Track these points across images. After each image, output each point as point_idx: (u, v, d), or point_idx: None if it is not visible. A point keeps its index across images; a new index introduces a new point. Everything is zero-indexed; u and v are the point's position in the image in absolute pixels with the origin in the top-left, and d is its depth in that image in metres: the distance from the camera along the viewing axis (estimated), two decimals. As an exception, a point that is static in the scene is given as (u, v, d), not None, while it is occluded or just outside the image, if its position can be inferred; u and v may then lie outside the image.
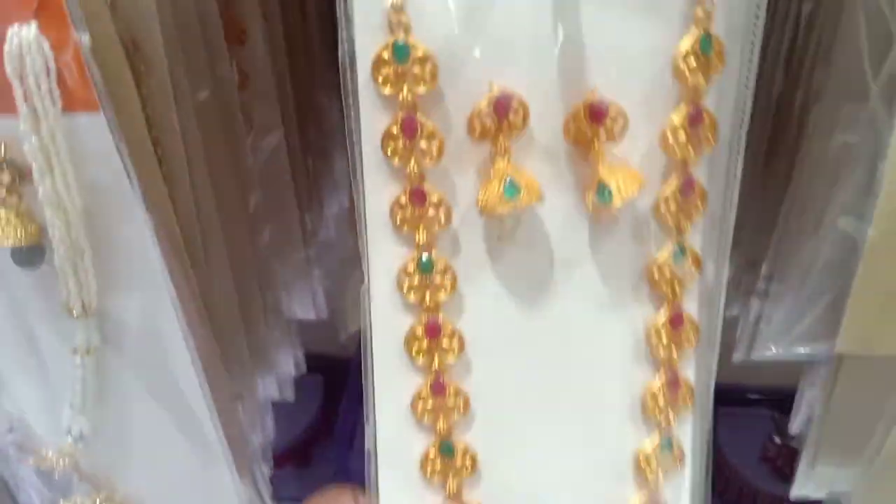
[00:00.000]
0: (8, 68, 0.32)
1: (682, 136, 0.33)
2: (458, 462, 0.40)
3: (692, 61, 0.31)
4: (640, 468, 0.39)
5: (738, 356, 0.51)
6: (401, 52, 0.32)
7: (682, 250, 0.35)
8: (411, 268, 0.37)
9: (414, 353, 0.38)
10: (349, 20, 0.33)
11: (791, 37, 0.41)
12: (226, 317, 0.51)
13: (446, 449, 0.39)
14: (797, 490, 0.49)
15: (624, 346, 0.38)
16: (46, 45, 0.32)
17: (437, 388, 0.38)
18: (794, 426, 0.52)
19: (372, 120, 0.34)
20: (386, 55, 0.33)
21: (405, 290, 0.37)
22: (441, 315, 0.38)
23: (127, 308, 0.43)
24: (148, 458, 0.49)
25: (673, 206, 0.34)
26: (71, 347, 0.44)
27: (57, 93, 0.34)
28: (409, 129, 0.33)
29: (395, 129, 0.34)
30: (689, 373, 0.38)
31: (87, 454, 0.49)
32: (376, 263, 0.37)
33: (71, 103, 0.34)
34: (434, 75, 0.33)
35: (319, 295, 0.68)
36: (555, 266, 0.36)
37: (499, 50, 0.33)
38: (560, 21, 0.32)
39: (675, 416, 0.38)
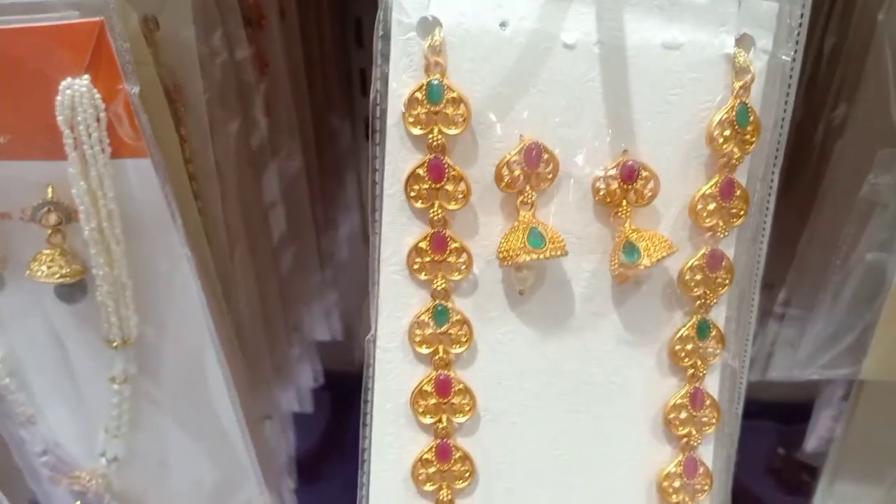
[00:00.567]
0: (60, 118, 0.33)
1: (713, 206, 0.32)
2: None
3: (727, 131, 0.32)
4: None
5: (752, 375, 0.52)
6: (435, 92, 0.32)
7: (706, 326, 0.35)
8: (426, 318, 0.34)
9: (420, 412, 0.35)
10: (385, 58, 0.32)
11: (811, 70, 0.42)
12: (253, 340, 0.53)
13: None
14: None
15: (640, 421, 0.36)
16: (98, 96, 0.33)
17: (443, 453, 0.35)
18: (810, 444, 0.54)
19: (398, 160, 0.33)
20: (420, 95, 0.32)
21: (417, 342, 0.35)
22: (453, 371, 0.35)
23: (163, 339, 0.44)
24: (180, 479, 0.50)
25: (699, 276, 0.34)
26: (108, 376, 0.45)
27: (106, 140, 0.34)
28: (437, 171, 0.32)
29: (421, 171, 0.32)
30: (707, 457, 0.37)
31: (119, 476, 0.50)
32: (387, 309, 0.35)
33: (118, 149, 0.35)
34: (466, 119, 0.32)
35: (335, 316, 0.69)
36: (573, 327, 0.35)
37: (535, 103, 0.32)
38: (600, 81, 0.32)
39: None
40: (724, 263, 0.34)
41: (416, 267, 0.34)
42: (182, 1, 0.37)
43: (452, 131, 0.32)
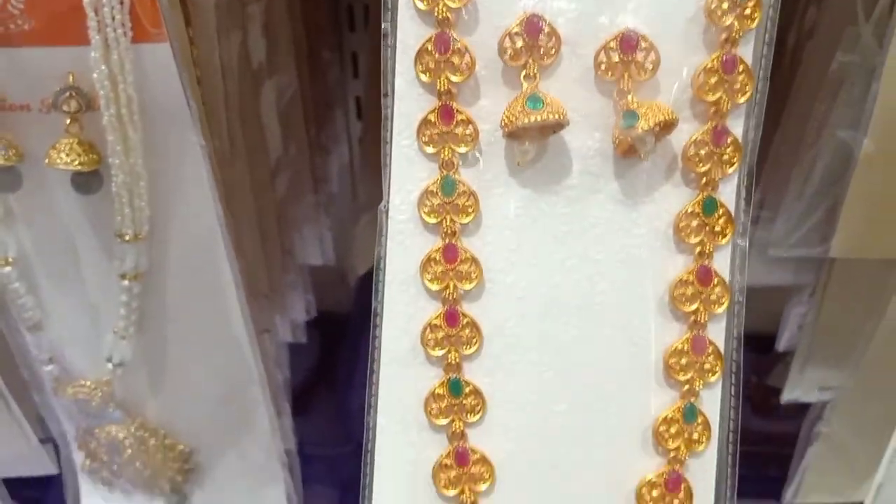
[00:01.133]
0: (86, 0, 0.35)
1: (714, 80, 0.33)
2: (466, 401, 0.38)
3: (725, 4, 0.33)
4: (661, 436, 0.38)
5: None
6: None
7: (713, 203, 0.35)
8: (434, 188, 0.36)
9: (429, 279, 0.37)
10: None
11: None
12: (251, 253, 0.54)
13: (454, 386, 0.37)
14: (788, 394, 0.53)
15: (647, 299, 0.37)
16: (122, -23, 0.35)
17: (451, 318, 0.37)
18: (782, 344, 0.57)
19: (406, 37, 0.34)
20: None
21: (426, 212, 0.36)
22: (459, 241, 0.36)
23: (174, 235, 0.45)
24: (184, 384, 0.52)
25: (703, 152, 0.35)
26: (119, 273, 0.46)
27: (129, 24, 0.36)
28: (443, 43, 0.34)
29: (428, 46, 0.34)
30: (717, 336, 0.37)
31: (124, 382, 0.51)
32: (398, 182, 0.36)
33: (138, 34, 0.37)
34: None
35: (328, 240, 0.71)
36: (574, 201, 0.36)
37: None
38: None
39: (700, 382, 0.37)
40: (729, 140, 0.35)
41: (425, 140, 0.35)
42: None
43: (456, 3, 0.34)
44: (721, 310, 0.37)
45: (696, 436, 0.37)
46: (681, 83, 0.35)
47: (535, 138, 0.35)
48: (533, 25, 0.34)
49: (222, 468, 0.55)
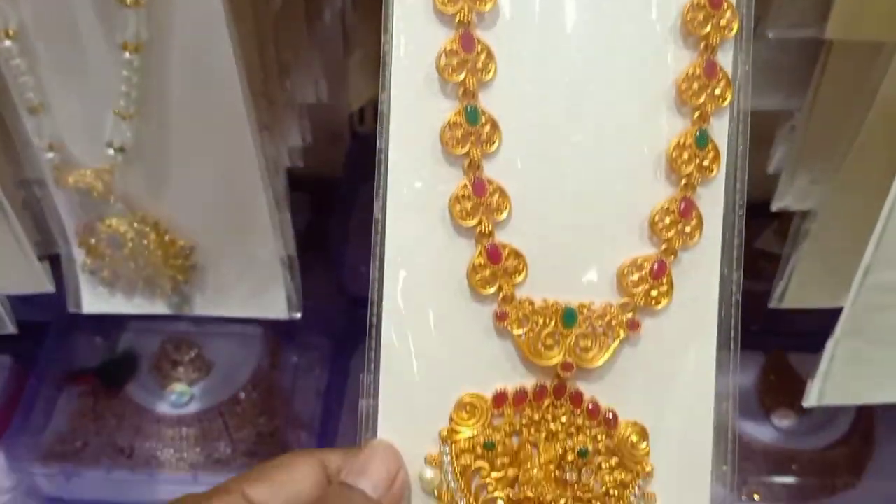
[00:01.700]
0: None
1: None
2: (483, 131, 0.38)
3: None
4: (674, 161, 0.38)
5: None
6: None
7: None
8: None
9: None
10: None
11: None
12: (247, 55, 0.54)
13: (471, 114, 0.37)
14: (777, 202, 0.55)
15: (659, 24, 0.37)
16: None
17: (466, 43, 0.36)
18: (772, 166, 0.58)
19: None
20: None
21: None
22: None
23: (177, 7, 0.45)
24: (185, 178, 0.52)
25: None
26: (119, 42, 0.46)
27: None
28: None
29: None
30: (726, 60, 0.38)
31: (125, 172, 0.51)
32: None
33: None
34: None
35: (321, 83, 0.70)
36: None
37: None
38: None
39: (712, 106, 0.37)
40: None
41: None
42: None
43: None
44: (731, 35, 0.38)
45: (707, 162, 0.38)
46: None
47: None
48: None
49: (223, 268, 0.56)
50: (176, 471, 0.76)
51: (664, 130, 0.38)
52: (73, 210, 0.54)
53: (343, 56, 0.71)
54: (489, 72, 0.38)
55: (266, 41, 0.57)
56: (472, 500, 0.39)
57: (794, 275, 0.54)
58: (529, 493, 0.39)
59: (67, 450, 0.77)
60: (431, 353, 0.39)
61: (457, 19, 0.37)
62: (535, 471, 0.39)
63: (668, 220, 0.38)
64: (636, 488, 0.39)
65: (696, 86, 0.38)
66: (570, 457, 0.39)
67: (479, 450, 0.39)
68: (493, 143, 0.38)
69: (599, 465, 0.39)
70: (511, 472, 0.39)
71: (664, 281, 0.39)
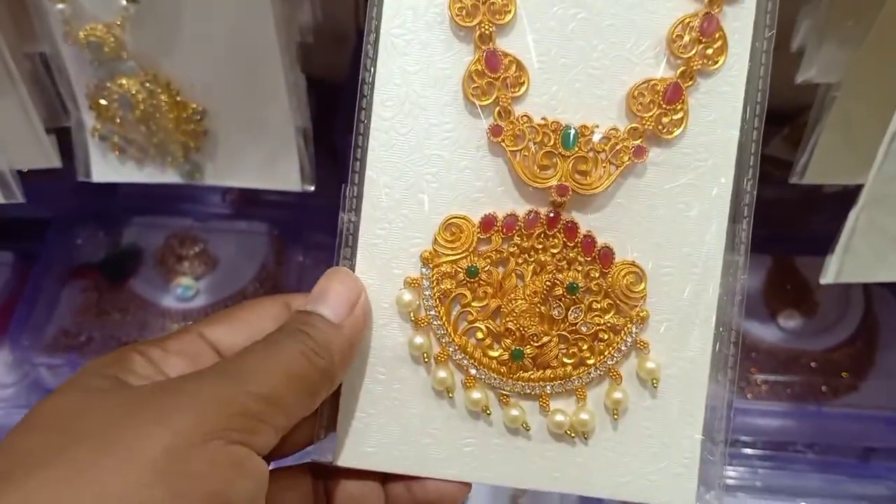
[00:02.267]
0: None
1: None
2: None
3: None
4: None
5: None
6: None
7: None
8: None
9: None
10: None
11: None
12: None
13: None
14: (801, 75, 0.54)
15: None
16: None
17: None
18: (795, 43, 0.57)
19: None
20: None
21: None
22: None
23: None
24: (199, 36, 0.50)
25: None
26: None
27: None
28: None
29: None
30: None
31: (137, 28, 0.50)
32: None
33: None
34: None
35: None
36: None
37: None
38: None
39: None
40: None
41: None
42: None
43: None
44: None
45: None
46: None
47: None
48: None
49: (235, 134, 0.55)
50: (181, 365, 0.75)
51: None
52: (82, 69, 0.52)
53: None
54: None
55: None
56: (450, 328, 0.38)
57: (818, 147, 0.54)
58: (511, 326, 0.37)
59: (72, 344, 0.76)
60: (418, 169, 0.37)
61: None
62: (519, 302, 0.37)
63: (687, 38, 0.36)
64: (628, 335, 0.38)
65: None
66: (559, 291, 0.37)
67: (461, 276, 0.37)
68: None
69: (590, 304, 0.37)
70: (493, 302, 0.38)
71: (679, 107, 0.36)
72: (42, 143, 0.56)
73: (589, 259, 0.37)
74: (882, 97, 0.47)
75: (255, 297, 0.78)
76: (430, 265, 0.37)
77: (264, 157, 0.54)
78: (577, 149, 0.36)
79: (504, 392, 0.38)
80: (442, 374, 0.38)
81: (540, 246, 0.37)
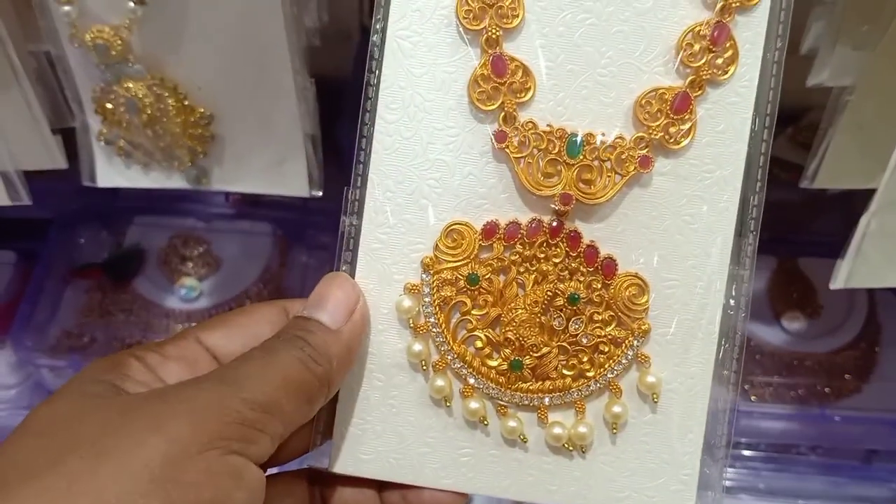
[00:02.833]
0: None
1: None
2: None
3: None
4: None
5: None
6: None
7: None
8: None
9: None
10: None
11: None
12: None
13: None
14: (813, 78, 0.53)
15: None
16: None
17: None
18: (805, 46, 0.56)
19: None
20: None
21: None
22: None
23: None
24: (207, 38, 0.50)
25: None
26: None
27: None
28: None
29: None
30: None
31: (145, 31, 0.49)
32: None
33: None
34: None
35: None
36: None
37: None
38: None
39: None
40: None
41: None
42: None
43: None
44: None
45: None
46: None
47: None
48: None
49: (243, 139, 0.54)
50: (186, 365, 0.75)
51: None
52: (88, 72, 0.51)
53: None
54: None
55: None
56: (449, 336, 0.37)
57: (829, 151, 0.53)
58: (511, 335, 0.37)
59: (75, 345, 0.76)
60: (421, 173, 0.37)
61: None
62: (520, 312, 0.37)
63: (697, 47, 0.35)
64: (629, 348, 0.37)
65: None
66: (559, 301, 0.37)
67: (461, 283, 0.37)
68: None
69: (591, 316, 0.37)
70: (494, 311, 0.37)
71: (687, 117, 0.36)
72: (48, 143, 0.56)
73: (591, 270, 0.37)
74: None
75: (259, 297, 0.78)
76: (431, 271, 0.37)
77: (272, 162, 0.54)
78: (581, 157, 0.36)
79: (502, 402, 0.38)
80: (440, 382, 0.38)
81: (542, 255, 0.37)
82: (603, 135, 0.36)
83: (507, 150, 0.36)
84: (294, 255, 0.82)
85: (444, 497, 0.39)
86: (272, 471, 0.36)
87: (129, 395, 0.33)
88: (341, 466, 0.38)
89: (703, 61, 0.36)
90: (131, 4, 0.48)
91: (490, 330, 0.37)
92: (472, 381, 0.37)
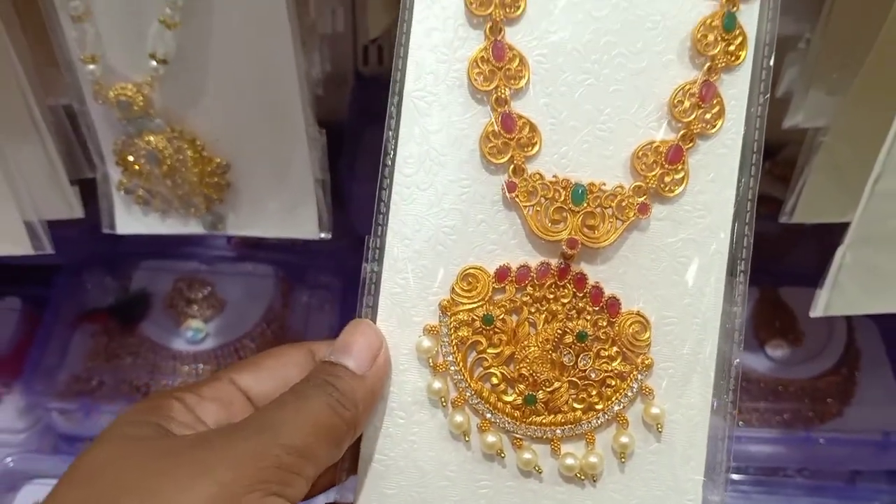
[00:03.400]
0: None
1: None
2: None
3: None
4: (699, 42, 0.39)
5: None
6: None
7: None
8: None
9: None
10: None
11: None
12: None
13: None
14: (789, 120, 0.57)
15: None
16: None
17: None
18: (780, 89, 0.60)
19: None
20: None
21: None
22: None
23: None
24: (225, 92, 0.53)
25: None
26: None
27: None
28: None
29: None
30: None
31: (165, 87, 0.52)
32: None
33: None
34: None
35: (338, 11, 0.71)
36: None
37: None
38: None
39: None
40: None
41: None
42: None
43: None
44: None
45: (733, 47, 0.39)
46: None
47: None
48: None
49: (257, 187, 0.57)
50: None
51: (691, 11, 0.39)
52: (111, 126, 0.54)
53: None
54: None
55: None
56: (466, 373, 0.39)
57: (806, 188, 0.57)
58: (524, 372, 0.39)
59: (83, 389, 0.78)
60: (438, 222, 0.40)
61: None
62: (532, 349, 0.39)
63: (687, 104, 0.39)
64: (634, 381, 0.40)
65: None
66: (569, 339, 0.39)
67: (477, 324, 0.39)
68: (518, 7, 0.38)
69: (598, 352, 0.40)
70: (508, 349, 0.40)
71: (680, 167, 0.39)
72: (66, 194, 0.59)
73: (597, 308, 0.40)
74: (868, 141, 0.50)
75: (264, 337, 0.80)
76: (448, 313, 0.40)
77: (284, 207, 0.57)
78: (585, 205, 0.39)
79: (517, 436, 0.40)
80: (458, 418, 0.40)
81: (551, 296, 0.40)
82: (604, 184, 0.39)
83: (517, 199, 0.39)
84: (296, 295, 0.84)
85: None
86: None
87: (174, 437, 0.35)
88: (366, 501, 0.40)
89: (693, 116, 0.39)
90: (153, 63, 0.51)
91: (505, 367, 0.40)
92: (488, 415, 0.40)
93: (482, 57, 0.39)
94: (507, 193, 0.39)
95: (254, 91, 0.53)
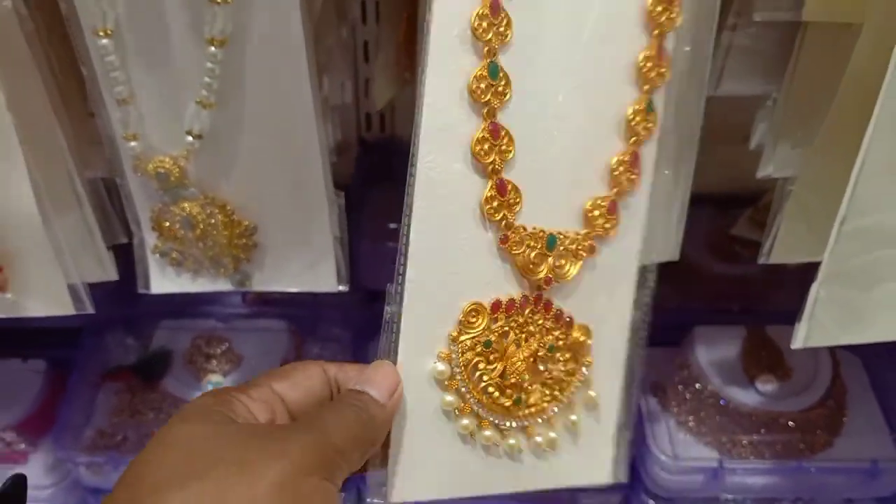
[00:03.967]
0: None
1: None
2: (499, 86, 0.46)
3: None
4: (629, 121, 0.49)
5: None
6: None
7: None
8: None
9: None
10: None
11: None
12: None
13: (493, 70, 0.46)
14: (761, 171, 0.63)
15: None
16: None
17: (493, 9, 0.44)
18: (753, 142, 0.67)
19: None
20: None
21: None
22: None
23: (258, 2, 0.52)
24: (254, 161, 0.58)
25: None
26: (207, 37, 0.52)
27: None
28: None
29: None
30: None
31: (200, 158, 0.58)
32: None
33: None
34: None
35: (347, 84, 0.78)
36: None
37: None
38: None
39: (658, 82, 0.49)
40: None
41: None
42: None
43: None
44: (677, 25, 0.49)
45: (650, 125, 0.50)
46: None
47: None
48: None
49: (282, 246, 0.62)
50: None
51: (624, 98, 0.49)
52: (148, 196, 0.59)
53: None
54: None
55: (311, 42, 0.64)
56: (472, 387, 0.49)
57: (780, 233, 0.63)
58: (514, 380, 0.50)
59: (108, 444, 0.81)
60: (446, 268, 0.48)
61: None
62: (519, 364, 0.50)
63: (621, 169, 0.50)
64: (580, 374, 0.52)
65: (650, 65, 0.49)
66: (541, 352, 0.50)
67: (479, 348, 0.49)
68: (506, 95, 0.47)
69: (558, 357, 0.51)
70: (500, 365, 0.50)
71: (615, 217, 0.51)
72: (103, 259, 0.63)
73: (559, 325, 0.51)
74: (832, 188, 0.55)
75: (279, 389, 0.84)
76: (458, 342, 0.49)
77: (306, 264, 0.62)
78: (556, 250, 0.49)
79: (506, 427, 0.51)
80: (465, 421, 0.49)
81: (530, 320, 0.50)
82: (567, 231, 0.50)
83: (509, 249, 0.49)
84: (308, 347, 0.89)
85: None
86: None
87: (245, 424, 0.41)
88: (398, 495, 0.49)
89: (625, 179, 0.50)
90: (189, 138, 0.56)
91: (500, 379, 0.50)
92: (490, 418, 0.50)
93: (482, 136, 0.47)
94: (500, 245, 0.48)
95: (280, 160, 0.58)
